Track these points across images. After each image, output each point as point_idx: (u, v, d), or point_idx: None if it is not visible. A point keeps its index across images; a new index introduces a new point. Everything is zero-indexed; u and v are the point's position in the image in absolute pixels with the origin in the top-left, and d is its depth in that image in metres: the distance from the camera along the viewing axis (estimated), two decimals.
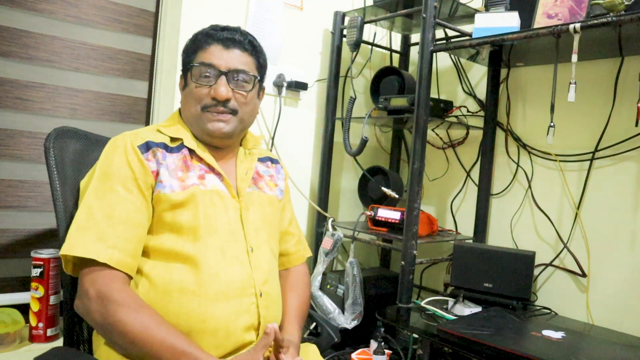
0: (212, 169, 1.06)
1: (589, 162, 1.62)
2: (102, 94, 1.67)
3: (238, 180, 1.10)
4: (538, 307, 1.65)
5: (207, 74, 1.05)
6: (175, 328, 0.91)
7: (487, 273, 1.60)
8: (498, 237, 1.87)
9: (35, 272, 1.40)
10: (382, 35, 2.20)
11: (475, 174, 1.92)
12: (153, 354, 0.86)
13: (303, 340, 1.20)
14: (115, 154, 0.98)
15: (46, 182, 1.56)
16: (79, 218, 0.94)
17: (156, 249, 0.98)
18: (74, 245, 0.91)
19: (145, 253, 0.99)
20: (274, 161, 1.24)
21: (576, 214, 1.65)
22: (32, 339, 1.41)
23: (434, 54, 1.63)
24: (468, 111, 1.97)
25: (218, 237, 1.01)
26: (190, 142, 1.06)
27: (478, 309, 1.53)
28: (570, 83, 1.31)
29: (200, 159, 1.06)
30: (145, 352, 0.86)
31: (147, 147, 1.00)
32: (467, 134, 2.00)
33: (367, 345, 1.71)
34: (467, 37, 1.62)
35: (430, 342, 1.38)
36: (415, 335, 1.44)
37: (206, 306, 0.95)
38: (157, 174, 0.99)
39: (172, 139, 1.05)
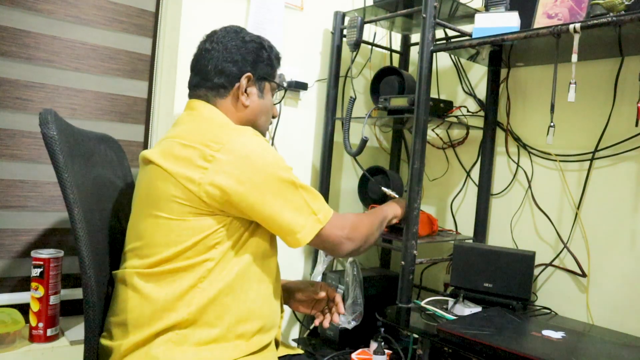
0: None
1: (589, 162, 1.62)
2: (102, 94, 1.68)
3: None
4: (538, 307, 1.65)
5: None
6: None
7: (487, 273, 1.60)
8: (498, 237, 1.87)
9: (35, 272, 1.41)
10: (382, 35, 2.20)
11: (475, 174, 1.92)
12: (378, 225, 1.37)
13: (297, 345, 1.47)
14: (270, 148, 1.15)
15: (46, 182, 1.56)
16: (294, 204, 1.13)
17: (255, 243, 1.13)
18: (320, 211, 1.15)
19: (242, 244, 1.11)
20: None
21: (576, 214, 1.65)
22: (32, 339, 1.41)
23: (434, 54, 1.63)
24: (468, 111, 1.96)
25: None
26: None
27: (478, 309, 1.53)
28: (570, 83, 1.31)
29: None
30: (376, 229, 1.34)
31: None
32: (467, 134, 2.00)
33: (367, 345, 1.71)
34: (467, 37, 1.62)
35: (430, 342, 1.38)
36: (415, 335, 1.44)
37: (276, 298, 1.19)
38: None
39: None
